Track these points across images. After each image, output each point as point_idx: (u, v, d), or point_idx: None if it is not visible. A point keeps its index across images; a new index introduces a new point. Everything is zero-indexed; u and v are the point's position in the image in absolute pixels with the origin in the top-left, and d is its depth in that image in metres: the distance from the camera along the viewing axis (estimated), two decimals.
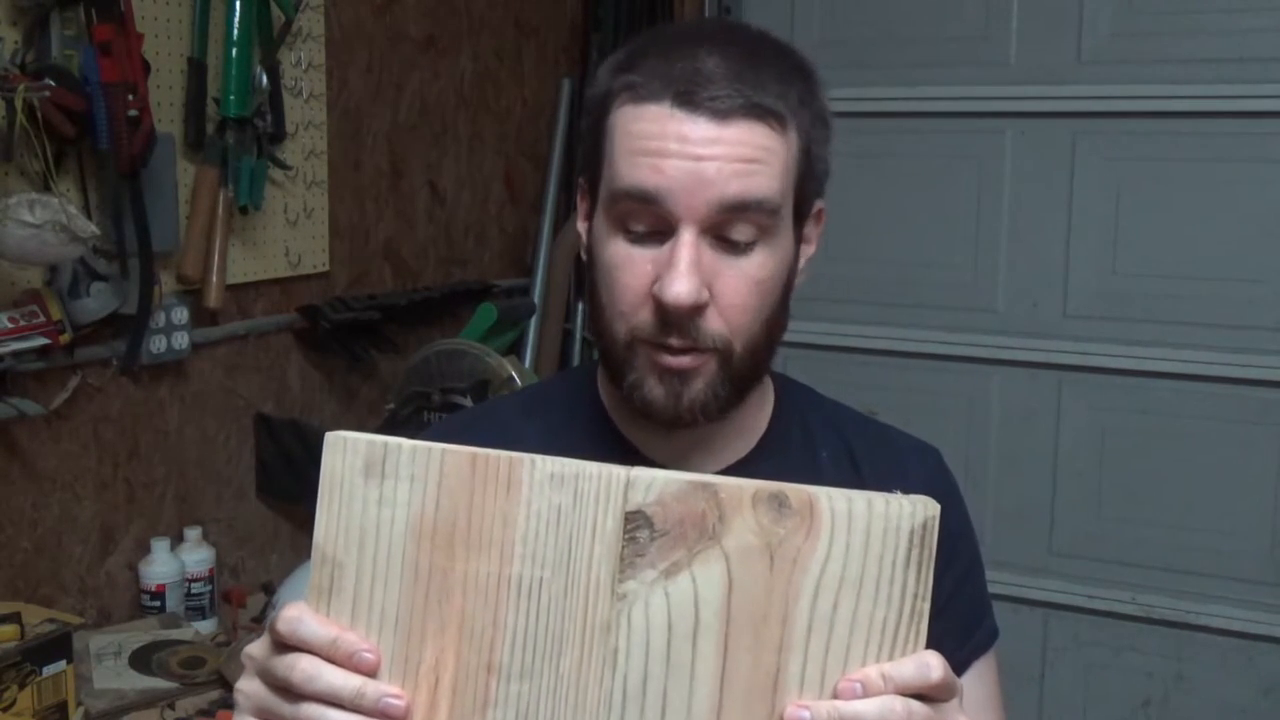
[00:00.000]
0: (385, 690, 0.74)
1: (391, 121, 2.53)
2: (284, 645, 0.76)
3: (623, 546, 0.74)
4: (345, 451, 0.75)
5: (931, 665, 0.75)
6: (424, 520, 0.75)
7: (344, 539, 0.75)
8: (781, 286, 0.97)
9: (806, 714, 0.73)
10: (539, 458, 0.75)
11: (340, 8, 2.37)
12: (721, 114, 0.90)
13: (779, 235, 0.94)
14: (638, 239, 0.93)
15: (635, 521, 0.74)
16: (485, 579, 0.75)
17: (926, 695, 0.75)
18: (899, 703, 0.74)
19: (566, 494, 0.75)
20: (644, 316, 0.93)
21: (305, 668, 0.74)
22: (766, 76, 0.92)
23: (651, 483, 0.74)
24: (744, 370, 0.96)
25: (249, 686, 0.79)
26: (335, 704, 0.74)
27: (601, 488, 0.74)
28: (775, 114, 0.92)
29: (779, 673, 0.74)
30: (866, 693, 0.74)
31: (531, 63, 2.90)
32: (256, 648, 0.79)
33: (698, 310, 0.91)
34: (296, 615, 0.75)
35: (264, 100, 2.13)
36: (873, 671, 0.74)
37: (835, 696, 0.74)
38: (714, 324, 0.93)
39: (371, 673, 0.74)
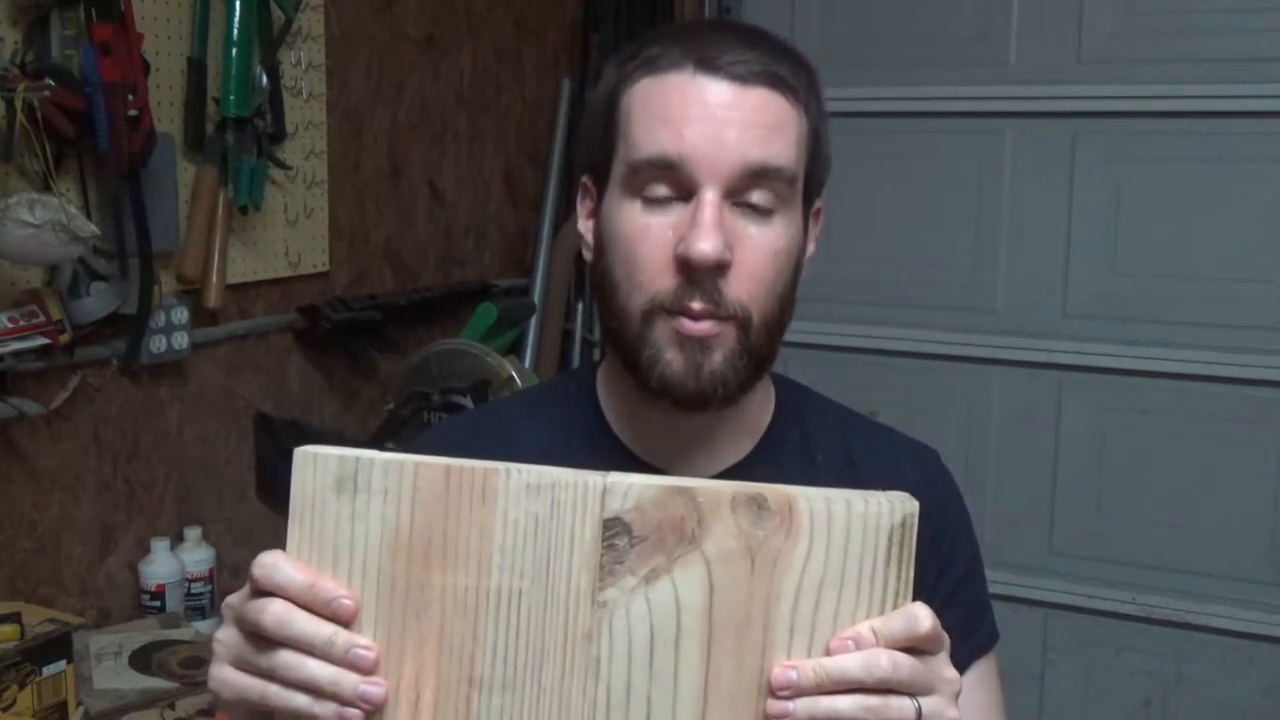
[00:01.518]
0: (356, 640, 0.73)
1: (391, 121, 2.53)
2: (261, 592, 0.74)
3: (601, 554, 0.73)
4: (315, 467, 0.74)
5: (919, 617, 0.75)
6: (399, 534, 0.74)
7: (317, 556, 0.74)
8: (793, 265, 0.97)
9: (794, 674, 0.74)
10: (514, 467, 0.74)
11: (340, 8, 2.37)
12: (741, 78, 0.92)
13: (793, 210, 0.95)
14: (657, 206, 0.93)
15: (613, 528, 0.73)
16: (464, 592, 0.74)
17: (916, 648, 0.76)
18: (884, 655, 0.74)
19: (543, 503, 0.74)
20: (665, 284, 0.92)
21: (277, 611, 0.73)
22: (779, 55, 0.95)
23: (629, 489, 0.74)
24: (760, 346, 0.95)
25: (226, 635, 0.77)
26: (308, 652, 0.73)
27: (578, 496, 0.73)
28: (791, 87, 0.94)
29: (763, 675, 0.74)
30: (858, 649, 0.74)
31: (531, 63, 2.90)
32: (236, 596, 0.78)
33: (721, 269, 0.91)
34: (273, 561, 0.74)
35: (264, 100, 2.12)
36: (864, 628, 0.75)
37: (828, 654, 0.75)
38: (735, 289, 0.92)
39: (349, 619, 0.73)
